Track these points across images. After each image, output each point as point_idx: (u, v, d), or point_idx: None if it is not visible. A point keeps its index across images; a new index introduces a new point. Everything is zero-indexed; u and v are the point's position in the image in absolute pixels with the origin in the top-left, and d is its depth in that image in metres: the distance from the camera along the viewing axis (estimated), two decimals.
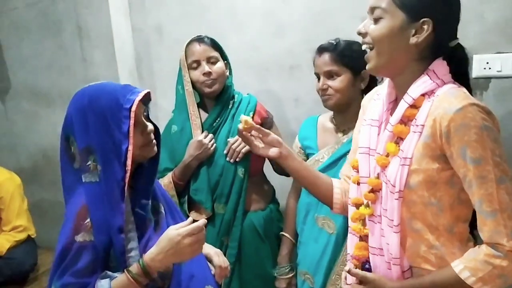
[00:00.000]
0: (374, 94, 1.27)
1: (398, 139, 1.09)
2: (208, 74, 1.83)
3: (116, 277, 1.14)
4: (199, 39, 1.88)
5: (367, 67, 1.13)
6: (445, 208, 1.06)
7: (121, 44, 2.57)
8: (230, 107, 1.91)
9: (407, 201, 1.06)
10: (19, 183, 2.75)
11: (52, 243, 1.26)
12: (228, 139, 1.85)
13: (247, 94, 1.99)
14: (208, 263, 1.43)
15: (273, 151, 1.29)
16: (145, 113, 1.26)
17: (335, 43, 1.67)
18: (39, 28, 2.78)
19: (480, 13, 1.85)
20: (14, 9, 2.83)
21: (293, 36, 2.25)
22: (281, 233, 1.90)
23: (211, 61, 1.86)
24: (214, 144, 1.85)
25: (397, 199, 1.05)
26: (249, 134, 1.30)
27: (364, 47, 1.13)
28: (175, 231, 1.16)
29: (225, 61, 1.92)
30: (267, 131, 1.31)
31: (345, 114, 1.68)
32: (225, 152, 1.85)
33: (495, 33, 1.84)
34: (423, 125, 1.04)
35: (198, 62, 1.85)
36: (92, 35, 2.60)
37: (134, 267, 1.15)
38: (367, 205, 1.16)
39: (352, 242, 1.24)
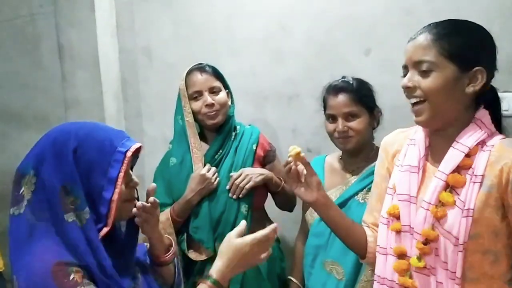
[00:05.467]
0: (406, 138, 1.24)
1: (452, 189, 1.08)
2: (211, 105, 1.73)
3: None
4: (200, 68, 1.78)
5: (417, 120, 1.12)
6: (502, 257, 1.07)
7: (106, 65, 2.41)
8: (232, 139, 1.81)
9: (466, 250, 1.06)
10: None
11: None
12: (231, 174, 1.74)
13: (249, 125, 1.89)
14: None
15: (311, 196, 1.24)
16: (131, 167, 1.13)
17: (351, 82, 1.60)
18: (14, 44, 2.58)
19: None
20: None
21: (293, 64, 2.18)
22: (289, 277, 1.80)
23: (213, 91, 1.76)
24: (218, 179, 1.74)
25: (461, 251, 1.04)
26: (295, 166, 1.24)
27: (412, 100, 1.11)
28: (241, 240, 1.09)
29: (227, 90, 1.82)
30: (314, 171, 1.24)
31: (357, 154, 1.63)
32: (227, 187, 1.74)
33: (502, 71, 1.79)
34: (483, 175, 1.04)
35: (200, 93, 1.75)
36: (74, 54, 2.44)
37: (204, 286, 1.05)
38: (420, 257, 1.11)
39: None
